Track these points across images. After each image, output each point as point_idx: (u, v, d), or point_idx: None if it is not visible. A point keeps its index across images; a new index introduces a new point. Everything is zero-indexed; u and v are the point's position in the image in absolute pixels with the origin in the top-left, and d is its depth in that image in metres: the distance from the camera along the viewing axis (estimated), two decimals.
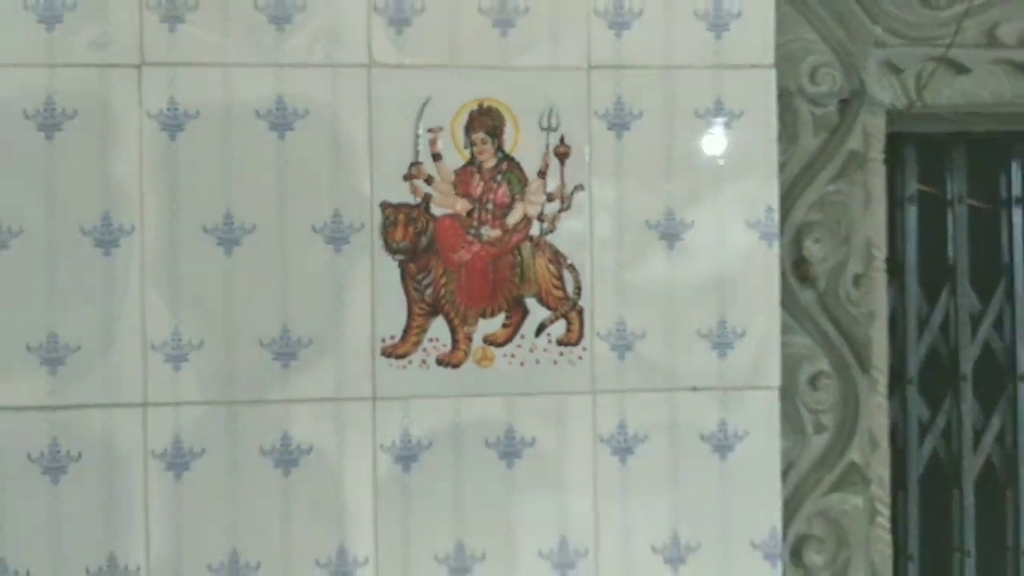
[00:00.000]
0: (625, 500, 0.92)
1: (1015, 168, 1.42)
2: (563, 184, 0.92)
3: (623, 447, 0.92)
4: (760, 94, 0.96)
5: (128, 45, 0.88)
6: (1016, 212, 1.42)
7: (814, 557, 1.14)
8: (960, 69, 1.18)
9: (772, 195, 0.95)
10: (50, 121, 0.87)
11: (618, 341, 0.92)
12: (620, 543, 0.92)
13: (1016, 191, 1.42)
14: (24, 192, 0.87)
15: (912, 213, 1.39)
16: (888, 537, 1.21)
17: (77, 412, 0.88)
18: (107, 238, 0.88)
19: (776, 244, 0.96)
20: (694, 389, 0.94)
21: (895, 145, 1.35)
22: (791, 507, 1.13)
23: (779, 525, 0.96)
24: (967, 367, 1.40)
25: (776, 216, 0.96)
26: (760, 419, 0.95)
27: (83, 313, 0.88)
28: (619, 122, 0.93)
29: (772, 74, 0.95)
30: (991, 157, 1.42)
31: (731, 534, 0.94)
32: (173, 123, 0.88)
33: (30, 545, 0.87)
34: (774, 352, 0.95)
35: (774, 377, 0.95)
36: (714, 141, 0.94)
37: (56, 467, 0.87)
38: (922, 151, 1.39)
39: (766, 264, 0.95)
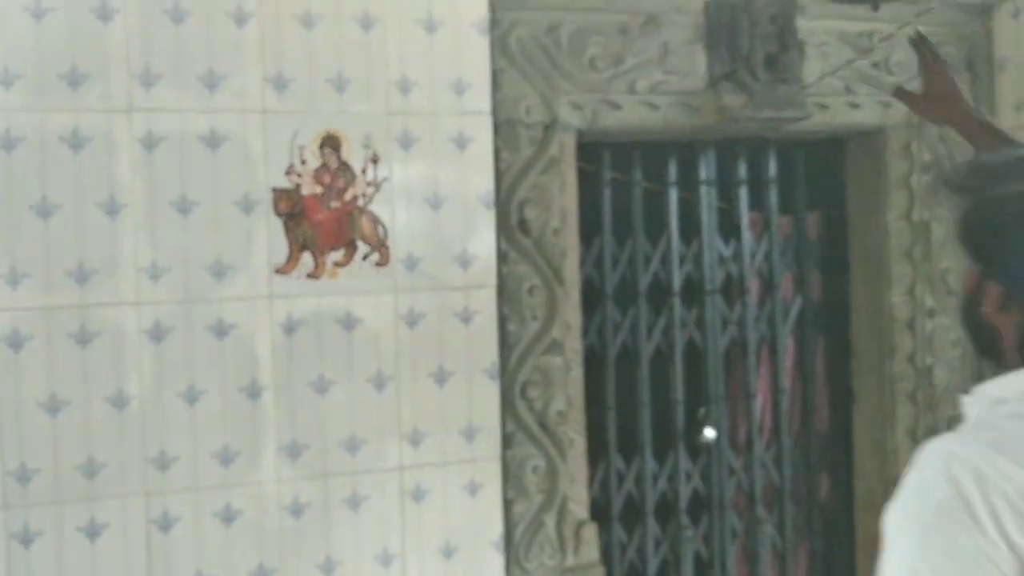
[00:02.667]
0: (413, 350, 1.70)
1: (671, 163, 2.30)
2: (375, 177, 1.68)
3: (412, 320, 1.69)
4: (484, 127, 1.74)
5: None
6: (672, 191, 2.31)
7: (533, 393, 1.98)
8: (615, 106, 2.03)
9: (490, 183, 1.75)
10: None
11: (409, 263, 1.69)
12: (410, 372, 1.70)
13: (673, 178, 2.31)
14: None
15: (607, 193, 2.25)
16: (580, 383, 2.05)
17: None
18: None
19: (493, 209, 1.75)
20: (452, 288, 1.73)
21: (595, 149, 2.20)
22: (519, 364, 1.95)
23: (496, 360, 1.76)
24: (643, 287, 2.28)
25: (492, 194, 1.75)
26: (488, 302, 1.75)
27: None
28: (406, 142, 1.69)
29: (489, 117, 1.74)
30: (659, 156, 2.30)
31: (472, 365, 1.73)
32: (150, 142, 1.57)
33: None
34: (491, 268, 1.75)
35: (491, 280, 1.75)
36: (460, 152, 1.72)
37: None
38: (615, 153, 2.25)
39: (487, 220, 1.74)
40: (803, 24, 2.05)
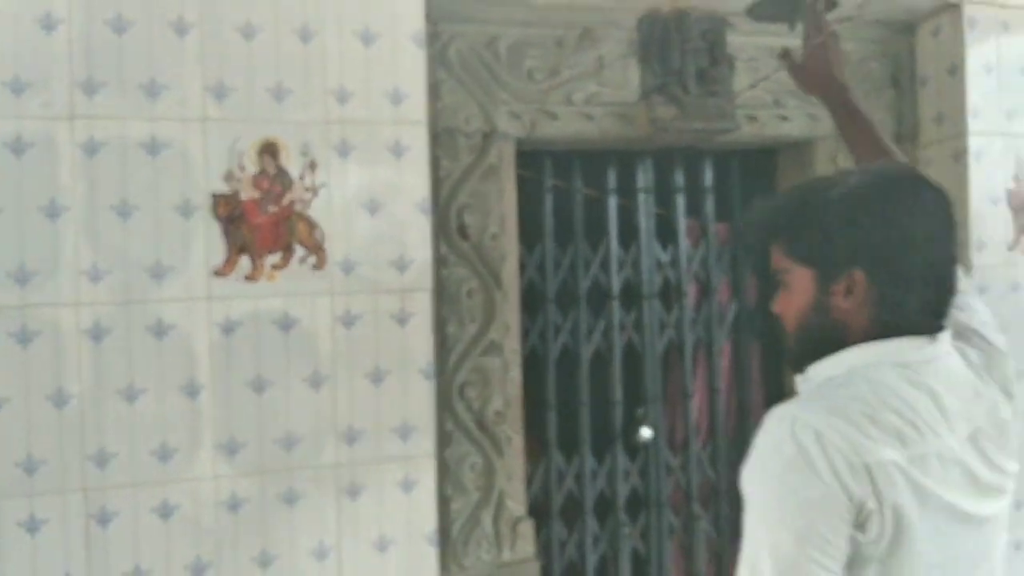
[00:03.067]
0: (349, 351, 1.76)
1: (611, 172, 2.39)
2: (313, 183, 1.74)
3: (348, 321, 1.75)
4: (421, 136, 1.81)
5: None
6: (612, 198, 2.39)
7: (471, 393, 2.04)
8: (553, 117, 2.10)
9: (427, 190, 1.81)
10: None
11: (345, 267, 1.75)
12: (347, 373, 1.76)
13: (612, 185, 2.39)
14: None
15: (548, 199, 2.32)
16: (518, 383, 2.12)
17: None
18: None
19: (429, 215, 1.82)
20: (389, 291, 1.79)
21: (537, 158, 2.28)
22: (457, 365, 2.02)
23: (432, 360, 1.82)
24: (584, 290, 2.36)
25: (428, 201, 1.81)
26: (424, 305, 1.81)
27: None
28: (344, 150, 1.75)
29: (425, 127, 1.81)
30: (598, 164, 2.38)
31: (408, 365, 1.79)
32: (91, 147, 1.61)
33: None
34: (427, 272, 1.81)
35: (427, 283, 1.81)
36: (396, 160, 1.78)
37: None
38: (556, 161, 2.33)
39: (424, 225, 1.81)
40: (733, 40, 2.15)
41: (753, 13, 1.76)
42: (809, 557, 0.83)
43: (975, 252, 2.17)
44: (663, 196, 2.42)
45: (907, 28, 2.33)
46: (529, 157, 2.23)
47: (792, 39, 1.53)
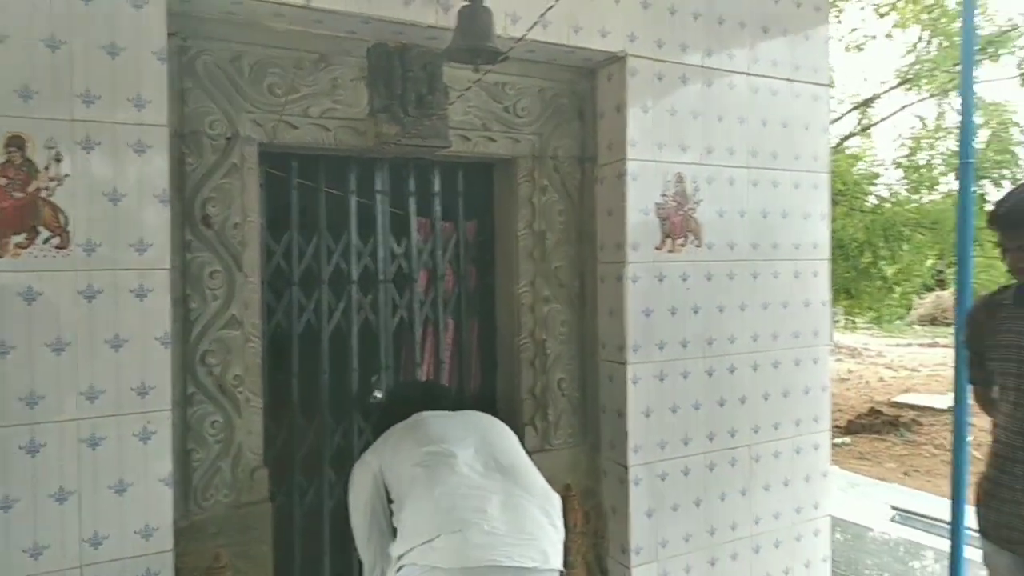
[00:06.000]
0: (91, 321, 2.03)
1: (351, 175, 2.80)
2: (58, 173, 1.99)
3: (90, 295, 2.02)
4: (161, 137, 2.11)
5: None
6: (352, 197, 2.81)
7: (212, 360, 2.37)
8: (292, 126, 2.48)
9: (166, 183, 2.11)
10: None
11: (88, 247, 2.02)
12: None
13: (352, 187, 2.81)
14: None
15: (294, 196, 2.70)
16: (258, 353, 2.47)
17: None
18: None
19: (167, 205, 2.13)
20: (128, 269, 2.07)
21: (285, 159, 2.64)
22: (200, 337, 2.34)
23: (168, 330, 2.13)
24: (326, 275, 2.76)
25: (167, 193, 2.12)
26: (161, 282, 2.11)
27: None
28: (88, 146, 2.02)
29: (166, 129, 2.12)
30: (341, 168, 2.79)
31: (147, 334, 2.09)
32: None
33: None
34: (165, 254, 2.11)
35: (165, 263, 2.12)
36: (138, 157, 2.08)
37: None
38: (303, 163, 2.70)
39: (163, 214, 2.11)
40: (449, 72, 2.64)
41: (447, 55, 2.24)
42: None
43: (631, 251, 2.82)
44: (398, 198, 2.87)
45: (590, 73, 2.96)
46: (279, 159, 2.60)
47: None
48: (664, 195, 2.88)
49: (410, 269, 2.88)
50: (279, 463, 2.61)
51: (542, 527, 1.89)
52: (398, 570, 1.87)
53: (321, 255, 2.73)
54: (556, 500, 2.01)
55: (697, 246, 2.96)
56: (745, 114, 3.05)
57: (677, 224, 2.90)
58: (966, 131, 3.21)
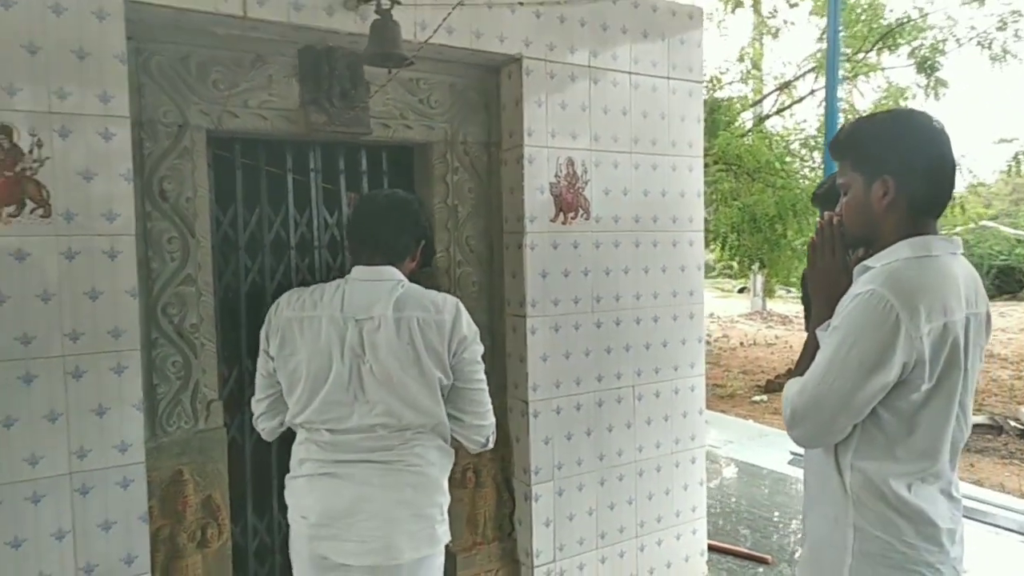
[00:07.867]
0: (72, 277, 2.50)
1: (288, 156, 3.29)
2: (40, 156, 2.44)
3: (70, 256, 2.49)
4: (124, 126, 2.57)
5: None
6: (289, 175, 3.29)
7: (172, 311, 2.85)
8: (235, 116, 2.95)
9: (129, 164, 2.58)
10: None
11: (67, 217, 2.48)
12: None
13: (290, 166, 3.29)
14: None
15: (239, 174, 3.17)
16: (211, 305, 2.96)
17: None
18: None
19: (131, 182, 2.59)
20: (100, 235, 2.54)
21: (230, 142, 3.11)
22: (161, 291, 2.82)
23: (135, 284, 2.61)
24: (268, 242, 3.24)
25: (131, 172, 2.59)
26: (129, 246, 2.59)
27: None
28: (64, 133, 2.47)
29: (128, 120, 2.57)
30: (280, 149, 3.27)
31: (118, 288, 2.57)
32: None
33: None
34: (131, 223, 2.59)
35: (131, 230, 2.60)
36: (106, 143, 2.54)
37: None
38: (246, 145, 3.18)
39: (127, 190, 2.58)
40: (369, 69, 3.13)
41: (363, 60, 2.73)
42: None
43: (529, 223, 3.36)
44: (330, 175, 3.37)
45: (495, 70, 3.48)
46: (225, 142, 3.07)
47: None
48: (557, 176, 3.43)
49: (341, 236, 3.38)
50: (232, 399, 3.11)
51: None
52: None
53: (263, 224, 3.21)
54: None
55: (586, 219, 3.52)
56: (627, 107, 3.61)
57: (569, 200, 3.46)
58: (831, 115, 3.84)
